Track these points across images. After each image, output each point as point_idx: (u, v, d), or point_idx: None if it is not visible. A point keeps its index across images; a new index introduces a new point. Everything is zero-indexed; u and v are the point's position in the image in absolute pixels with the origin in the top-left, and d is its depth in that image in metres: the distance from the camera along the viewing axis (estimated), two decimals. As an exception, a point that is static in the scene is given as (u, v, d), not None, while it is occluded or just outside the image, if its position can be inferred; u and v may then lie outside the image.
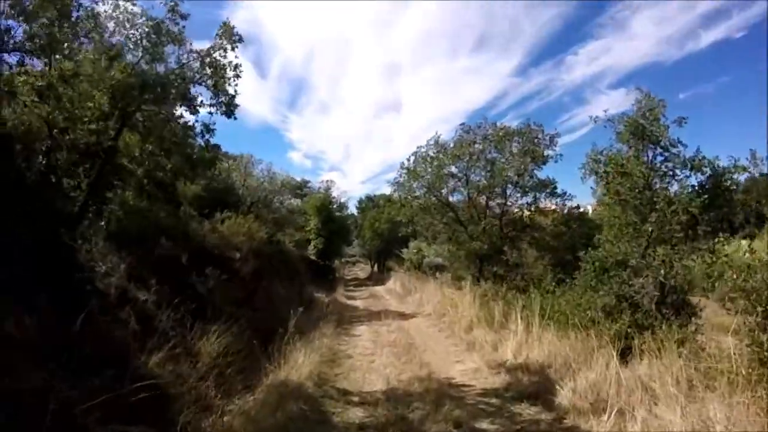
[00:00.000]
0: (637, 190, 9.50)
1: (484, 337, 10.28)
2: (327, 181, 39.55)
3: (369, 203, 48.10)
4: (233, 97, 8.95)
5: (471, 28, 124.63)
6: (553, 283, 12.48)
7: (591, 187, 10.96)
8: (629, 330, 8.19)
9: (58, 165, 7.88)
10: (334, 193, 36.50)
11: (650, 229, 9.16)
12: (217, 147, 10.39)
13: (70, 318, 5.75)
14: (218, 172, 19.98)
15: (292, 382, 7.09)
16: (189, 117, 9.34)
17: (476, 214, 18.65)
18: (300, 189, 42.26)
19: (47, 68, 7.62)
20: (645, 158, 9.84)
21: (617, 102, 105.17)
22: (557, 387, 6.88)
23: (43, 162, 7.64)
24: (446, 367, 8.84)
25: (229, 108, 8.97)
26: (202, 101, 8.92)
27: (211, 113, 9.04)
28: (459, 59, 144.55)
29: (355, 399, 7.03)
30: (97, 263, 7.91)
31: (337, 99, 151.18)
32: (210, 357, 7.54)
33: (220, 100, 8.88)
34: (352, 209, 49.18)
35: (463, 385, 7.74)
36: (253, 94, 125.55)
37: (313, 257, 33.14)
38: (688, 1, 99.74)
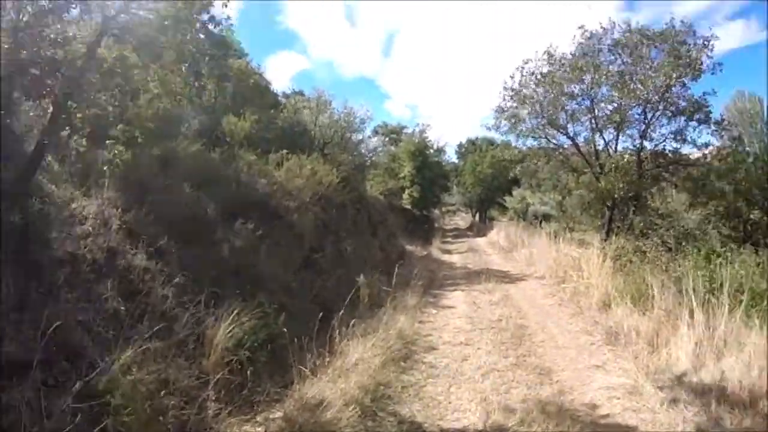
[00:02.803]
0: None
1: (631, 323, 6.93)
2: (422, 124, 36.66)
3: (471, 146, 44.73)
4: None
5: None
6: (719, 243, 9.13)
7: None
8: None
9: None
10: (431, 138, 33.22)
11: None
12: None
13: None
14: (284, 111, 17.78)
15: (332, 402, 4.44)
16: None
17: (605, 147, 14.91)
18: (395, 134, 40.05)
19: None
20: None
21: (736, 35, 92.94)
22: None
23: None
24: (581, 379, 5.63)
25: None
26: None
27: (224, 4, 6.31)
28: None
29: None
30: (81, 219, 5.72)
31: (433, 44, 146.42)
32: (220, 351, 5.08)
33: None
34: (452, 157, 46.26)
35: (622, 428, 4.45)
36: (345, 46, 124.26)
37: (407, 206, 30.79)
38: None
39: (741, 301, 5.96)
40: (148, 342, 4.35)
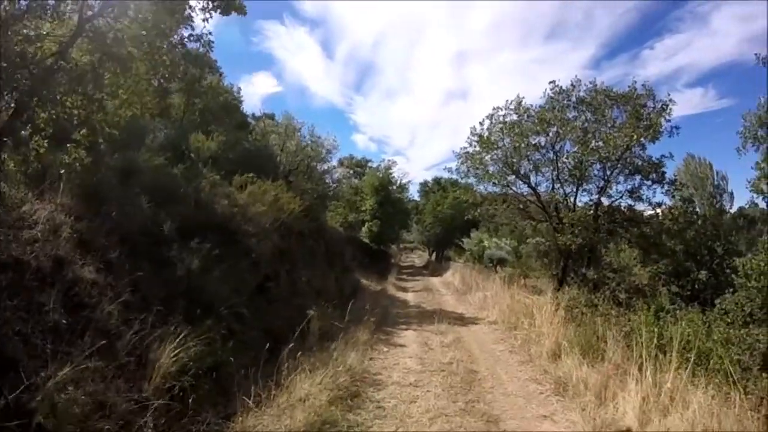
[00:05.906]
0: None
1: (580, 375, 6.84)
2: (388, 160, 36.93)
3: (435, 186, 45.15)
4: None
5: (544, 16, 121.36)
6: (668, 300, 9.43)
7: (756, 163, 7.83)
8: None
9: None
10: (395, 174, 33.52)
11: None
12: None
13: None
14: (252, 133, 17.72)
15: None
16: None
17: (564, 199, 15.28)
18: (360, 167, 40.20)
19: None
20: None
21: (694, 102, 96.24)
22: None
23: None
24: (529, 429, 5.54)
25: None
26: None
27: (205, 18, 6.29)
28: (531, 48, 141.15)
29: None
30: (31, 223, 5.48)
31: (405, 84, 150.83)
32: (162, 376, 4.89)
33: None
34: (414, 194, 46.51)
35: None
36: (320, 76, 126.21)
37: (366, 240, 30.73)
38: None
39: (688, 359, 6.05)
40: (88, 360, 4.16)
